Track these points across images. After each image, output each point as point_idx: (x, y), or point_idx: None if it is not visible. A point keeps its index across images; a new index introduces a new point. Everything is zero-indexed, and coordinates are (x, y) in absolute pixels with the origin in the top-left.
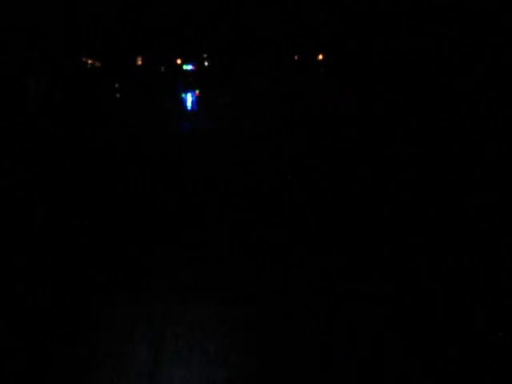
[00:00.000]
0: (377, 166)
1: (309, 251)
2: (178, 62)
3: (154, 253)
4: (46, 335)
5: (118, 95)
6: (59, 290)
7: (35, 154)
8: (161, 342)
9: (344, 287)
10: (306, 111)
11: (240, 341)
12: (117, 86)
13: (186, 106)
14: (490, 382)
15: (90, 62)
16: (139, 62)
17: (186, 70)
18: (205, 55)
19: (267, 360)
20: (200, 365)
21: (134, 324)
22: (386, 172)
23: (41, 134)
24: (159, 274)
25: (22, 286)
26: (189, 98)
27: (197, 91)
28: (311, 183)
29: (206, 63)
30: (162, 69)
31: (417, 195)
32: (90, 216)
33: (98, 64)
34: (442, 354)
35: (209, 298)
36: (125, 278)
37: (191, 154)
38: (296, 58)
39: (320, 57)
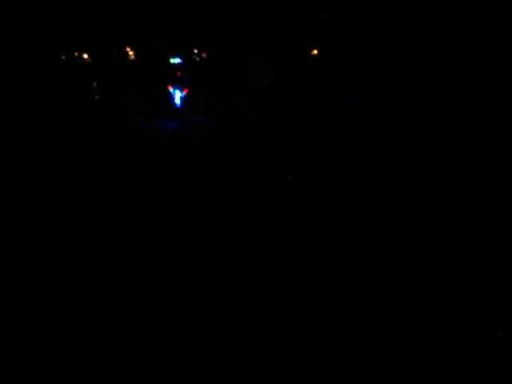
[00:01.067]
0: (377, 166)
1: (309, 251)
2: (167, 55)
3: (154, 253)
4: (46, 335)
5: (96, 96)
6: (59, 290)
7: (35, 153)
8: None
9: (344, 287)
10: (306, 111)
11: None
12: (95, 84)
13: (175, 103)
14: (490, 382)
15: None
16: (129, 55)
17: (174, 63)
18: (195, 50)
19: (267, 364)
20: None
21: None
22: (386, 172)
23: (41, 134)
24: (159, 274)
25: (21, 285)
26: (177, 95)
27: (186, 88)
28: (311, 183)
29: (197, 58)
30: (148, 63)
31: (417, 195)
32: (90, 216)
33: (85, 58)
34: (442, 354)
35: (208, 298)
36: (124, 277)
37: (181, 156)
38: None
39: (315, 52)
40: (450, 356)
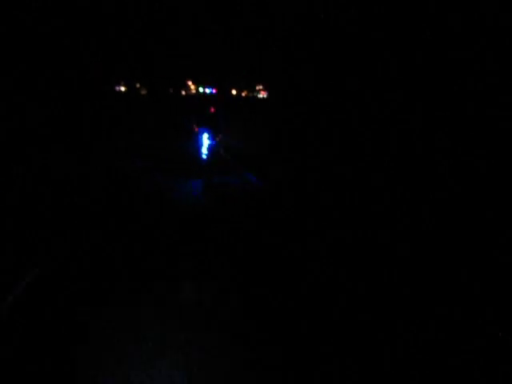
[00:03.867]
0: (377, 166)
1: (308, 251)
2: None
3: (154, 258)
4: (46, 335)
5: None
6: (60, 292)
7: (35, 154)
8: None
9: (344, 287)
10: (308, 112)
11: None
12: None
13: (200, 155)
14: (491, 382)
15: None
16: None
17: (204, 93)
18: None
19: (267, 360)
20: None
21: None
22: (386, 172)
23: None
24: (160, 277)
25: (22, 286)
26: (205, 141)
27: (220, 135)
28: (311, 183)
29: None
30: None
31: (416, 195)
32: (89, 224)
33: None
34: (442, 354)
35: (209, 301)
36: (125, 279)
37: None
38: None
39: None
40: (450, 356)
